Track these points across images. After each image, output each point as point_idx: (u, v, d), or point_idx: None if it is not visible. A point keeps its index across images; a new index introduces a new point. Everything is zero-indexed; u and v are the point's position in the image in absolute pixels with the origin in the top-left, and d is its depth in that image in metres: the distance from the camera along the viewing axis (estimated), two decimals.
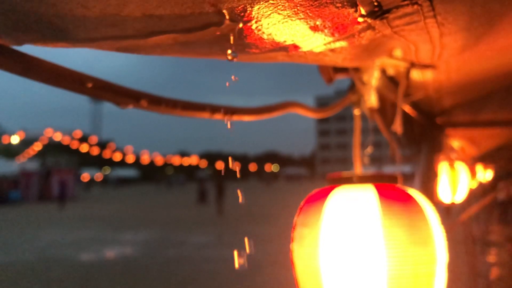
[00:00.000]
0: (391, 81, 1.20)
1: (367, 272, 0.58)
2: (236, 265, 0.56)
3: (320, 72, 1.02)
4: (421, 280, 0.59)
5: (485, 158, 4.39)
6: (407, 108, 1.59)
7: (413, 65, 0.96)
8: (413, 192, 0.66)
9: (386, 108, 1.41)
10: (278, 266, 7.38)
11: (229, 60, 0.52)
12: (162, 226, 13.63)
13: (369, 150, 1.04)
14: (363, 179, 0.68)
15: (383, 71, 1.11)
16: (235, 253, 0.58)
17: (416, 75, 1.12)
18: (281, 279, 6.57)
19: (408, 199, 0.64)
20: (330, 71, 1.01)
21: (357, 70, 0.99)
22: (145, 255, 8.96)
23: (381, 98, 1.24)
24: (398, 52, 0.81)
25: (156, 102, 0.60)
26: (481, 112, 2.01)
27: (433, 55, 0.81)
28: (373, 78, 0.96)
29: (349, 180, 0.68)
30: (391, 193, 0.64)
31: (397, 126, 1.06)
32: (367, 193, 0.63)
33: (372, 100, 0.99)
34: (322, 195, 0.66)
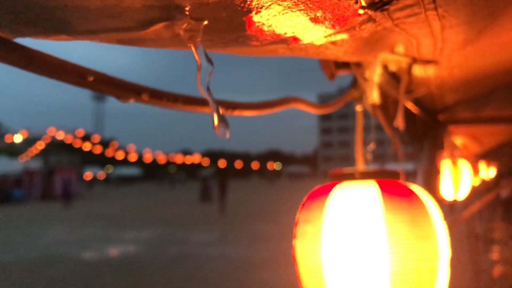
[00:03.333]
0: (393, 77, 1.20)
1: (370, 267, 0.58)
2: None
3: (321, 68, 1.02)
4: (424, 276, 0.59)
5: (488, 155, 4.38)
6: (409, 105, 1.58)
7: (415, 60, 0.96)
8: (416, 188, 0.66)
9: (388, 105, 1.40)
10: (280, 264, 7.38)
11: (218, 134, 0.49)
12: (165, 224, 13.66)
13: (371, 146, 1.03)
14: (365, 175, 0.68)
15: (385, 67, 1.11)
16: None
17: (418, 71, 1.11)
18: (284, 276, 6.58)
19: (411, 194, 0.64)
20: (332, 67, 1.01)
21: (359, 66, 0.99)
22: (148, 253, 8.98)
23: (383, 94, 1.24)
24: (399, 48, 0.81)
25: (157, 96, 0.60)
26: (484, 109, 2.00)
27: (435, 50, 0.81)
28: (375, 74, 0.96)
29: (351, 176, 0.68)
30: (394, 188, 0.63)
31: (399, 122, 1.06)
32: (370, 189, 0.63)
33: (374, 96, 0.99)
34: (325, 191, 0.66)
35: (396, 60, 0.97)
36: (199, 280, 6.69)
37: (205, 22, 0.44)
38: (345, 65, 1.02)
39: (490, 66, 1.14)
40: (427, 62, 0.97)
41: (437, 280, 0.61)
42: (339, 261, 0.59)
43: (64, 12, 0.40)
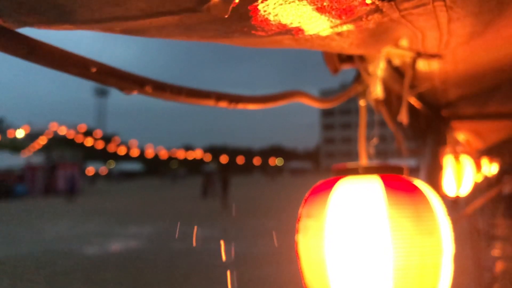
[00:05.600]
0: (397, 72, 1.19)
1: (373, 263, 0.58)
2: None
3: (325, 62, 1.01)
4: (427, 271, 0.59)
5: (491, 152, 4.38)
6: (413, 100, 1.58)
7: (419, 54, 0.95)
8: (419, 183, 0.66)
9: (391, 100, 1.40)
10: (283, 259, 7.40)
11: None
12: (167, 220, 13.69)
13: (374, 141, 1.03)
14: (368, 170, 0.67)
15: (389, 62, 1.10)
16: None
17: (422, 65, 1.11)
18: (287, 271, 6.59)
19: (414, 189, 0.63)
20: (336, 61, 1.00)
21: (363, 60, 0.98)
22: (150, 248, 9.01)
23: (387, 89, 1.23)
24: (404, 41, 0.81)
25: (161, 88, 0.59)
26: (487, 104, 2.00)
27: (440, 44, 0.80)
28: (379, 69, 0.95)
29: (354, 171, 0.68)
30: (397, 183, 0.63)
31: (403, 117, 1.05)
32: (373, 183, 0.63)
33: (377, 91, 0.98)
34: (328, 186, 0.66)
35: (400, 54, 0.96)
36: (201, 275, 6.71)
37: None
38: (349, 59, 1.02)
39: (494, 61, 1.13)
40: (431, 56, 0.96)
41: (441, 276, 0.61)
42: (342, 256, 0.59)
43: (67, 1, 0.40)
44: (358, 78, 1.06)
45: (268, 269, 6.93)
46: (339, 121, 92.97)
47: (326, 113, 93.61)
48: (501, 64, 1.18)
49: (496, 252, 4.26)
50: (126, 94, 0.56)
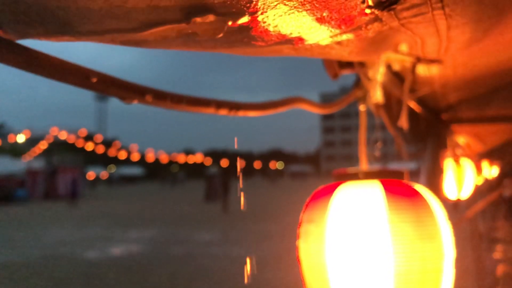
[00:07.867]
0: (396, 76, 1.20)
1: (374, 268, 0.58)
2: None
3: (325, 68, 1.02)
4: (428, 276, 0.59)
5: (491, 154, 4.37)
6: (413, 104, 1.58)
7: (419, 60, 0.95)
8: (420, 188, 0.66)
9: (391, 104, 1.40)
10: (284, 264, 7.38)
11: None
12: (168, 224, 13.68)
13: (378, 145, 1.03)
14: (369, 175, 0.67)
15: (389, 67, 1.10)
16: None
17: (421, 70, 1.11)
18: (288, 276, 6.57)
19: (415, 194, 0.63)
20: (335, 66, 1.01)
21: (362, 65, 0.98)
22: (152, 253, 8.99)
23: (387, 94, 1.23)
24: (404, 47, 0.81)
25: (161, 97, 0.60)
26: (487, 107, 2.00)
27: (440, 49, 0.80)
28: (379, 74, 0.96)
29: (355, 176, 0.68)
30: (398, 188, 0.63)
31: (403, 122, 1.05)
32: (373, 188, 0.63)
33: (377, 96, 0.98)
34: (328, 191, 0.66)
35: (400, 59, 0.96)
36: (202, 279, 6.70)
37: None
38: (348, 64, 1.02)
39: (494, 65, 1.13)
40: (431, 61, 0.96)
41: (442, 281, 0.61)
42: (343, 262, 0.59)
43: (67, 13, 0.40)
44: (358, 83, 1.06)
45: (270, 273, 6.91)
46: (339, 124, 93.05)
47: (326, 116, 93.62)
48: (500, 68, 1.18)
49: (497, 255, 4.24)
50: (127, 104, 0.56)
